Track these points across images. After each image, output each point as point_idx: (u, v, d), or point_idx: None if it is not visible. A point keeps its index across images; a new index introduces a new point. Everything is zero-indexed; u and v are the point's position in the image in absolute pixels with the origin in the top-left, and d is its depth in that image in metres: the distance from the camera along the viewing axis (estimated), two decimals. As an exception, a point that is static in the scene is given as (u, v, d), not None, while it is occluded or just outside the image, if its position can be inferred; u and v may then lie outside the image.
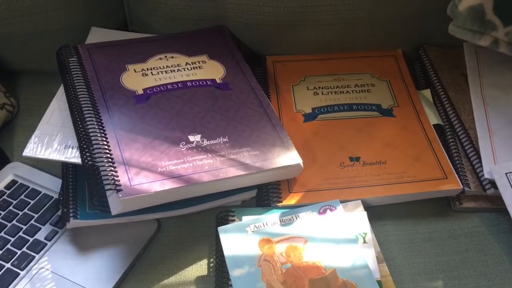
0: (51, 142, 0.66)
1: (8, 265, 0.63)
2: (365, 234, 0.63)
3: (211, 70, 0.75)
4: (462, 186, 0.67)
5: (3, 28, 0.79)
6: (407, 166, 0.69)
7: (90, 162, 0.62)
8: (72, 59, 0.74)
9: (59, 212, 0.67)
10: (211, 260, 0.64)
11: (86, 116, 0.66)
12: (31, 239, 0.65)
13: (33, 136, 0.67)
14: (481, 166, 0.68)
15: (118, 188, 0.59)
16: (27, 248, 0.64)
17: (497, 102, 0.75)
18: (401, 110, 0.76)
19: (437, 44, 0.84)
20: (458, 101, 0.76)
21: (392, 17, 0.80)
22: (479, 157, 0.69)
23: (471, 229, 0.67)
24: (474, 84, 0.77)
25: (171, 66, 0.75)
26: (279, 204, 0.66)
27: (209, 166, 0.62)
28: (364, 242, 0.62)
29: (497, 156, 0.69)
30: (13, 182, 0.70)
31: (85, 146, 0.63)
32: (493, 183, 0.66)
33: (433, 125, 0.75)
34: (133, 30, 0.87)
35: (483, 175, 0.67)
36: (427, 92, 0.80)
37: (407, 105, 0.77)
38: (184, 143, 0.65)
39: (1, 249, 0.64)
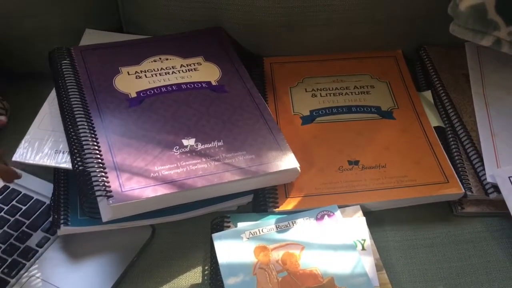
0: (42, 147, 0.65)
1: (-3, 273, 0.61)
2: (364, 240, 0.61)
3: (207, 72, 0.73)
4: (464, 190, 0.65)
5: (-5, 31, 0.78)
6: (407, 170, 0.68)
7: (80, 167, 0.60)
8: (65, 61, 0.72)
9: (50, 219, 0.65)
10: (206, 267, 0.63)
11: (77, 120, 0.64)
12: (22, 246, 0.63)
13: (23, 141, 0.66)
14: (484, 169, 0.66)
15: (108, 194, 0.57)
16: (17, 256, 0.63)
17: (500, 103, 0.73)
18: (401, 112, 0.74)
19: (438, 44, 0.82)
20: (459, 103, 0.74)
21: (391, 17, 0.78)
22: (481, 160, 0.67)
23: (473, 234, 0.65)
24: (476, 84, 0.75)
25: (166, 68, 0.73)
26: (276, 210, 0.64)
27: (203, 171, 0.61)
28: (363, 248, 0.60)
29: (500, 159, 0.67)
30: (5, 187, 0.69)
31: (76, 151, 0.62)
32: (495, 187, 0.65)
33: (434, 127, 0.73)
34: (128, 31, 0.85)
35: (485, 178, 0.66)
36: (428, 94, 0.78)
37: (408, 107, 0.75)
38: (177, 147, 0.63)
39: (-9, 257, 0.62)
